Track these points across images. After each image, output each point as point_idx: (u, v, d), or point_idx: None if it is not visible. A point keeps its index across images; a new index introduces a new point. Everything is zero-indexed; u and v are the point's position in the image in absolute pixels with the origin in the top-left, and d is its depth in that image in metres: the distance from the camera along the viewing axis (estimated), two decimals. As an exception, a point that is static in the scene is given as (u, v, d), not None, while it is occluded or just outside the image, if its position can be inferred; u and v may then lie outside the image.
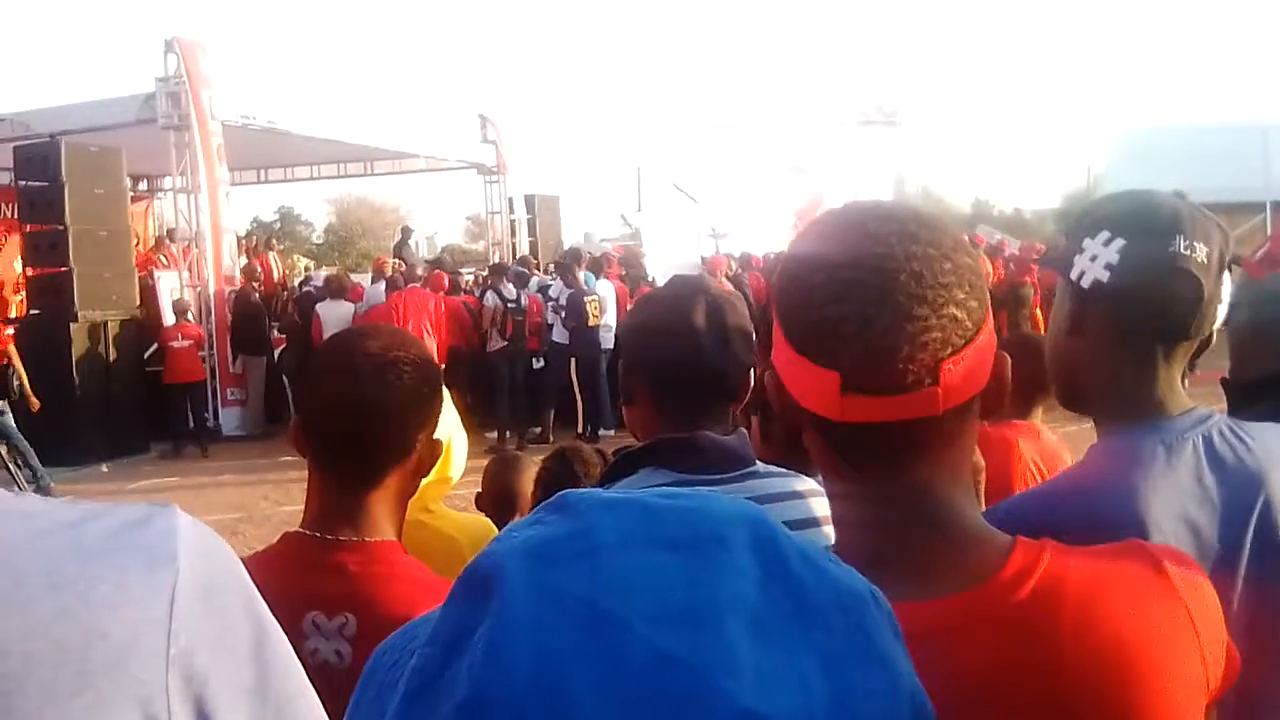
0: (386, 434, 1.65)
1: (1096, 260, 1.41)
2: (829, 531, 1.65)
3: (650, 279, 14.80)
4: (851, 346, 0.95)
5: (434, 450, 1.74)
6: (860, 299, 0.95)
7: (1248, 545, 1.35)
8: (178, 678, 0.79)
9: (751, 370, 1.79)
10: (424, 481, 2.30)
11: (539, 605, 0.52)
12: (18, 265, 15.73)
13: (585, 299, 12.87)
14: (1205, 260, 1.38)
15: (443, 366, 12.00)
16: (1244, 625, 1.23)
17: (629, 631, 0.50)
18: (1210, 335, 1.45)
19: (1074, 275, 1.44)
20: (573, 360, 13.15)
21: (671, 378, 1.77)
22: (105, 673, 0.76)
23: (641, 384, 1.80)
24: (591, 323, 12.86)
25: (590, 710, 0.49)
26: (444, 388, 2.41)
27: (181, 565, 0.82)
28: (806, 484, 1.72)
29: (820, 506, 1.68)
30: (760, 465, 1.76)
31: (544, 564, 0.53)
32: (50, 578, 0.78)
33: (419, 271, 14.45)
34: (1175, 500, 1.34)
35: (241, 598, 0.89)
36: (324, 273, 17.54)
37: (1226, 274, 1.43)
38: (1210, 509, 1.36)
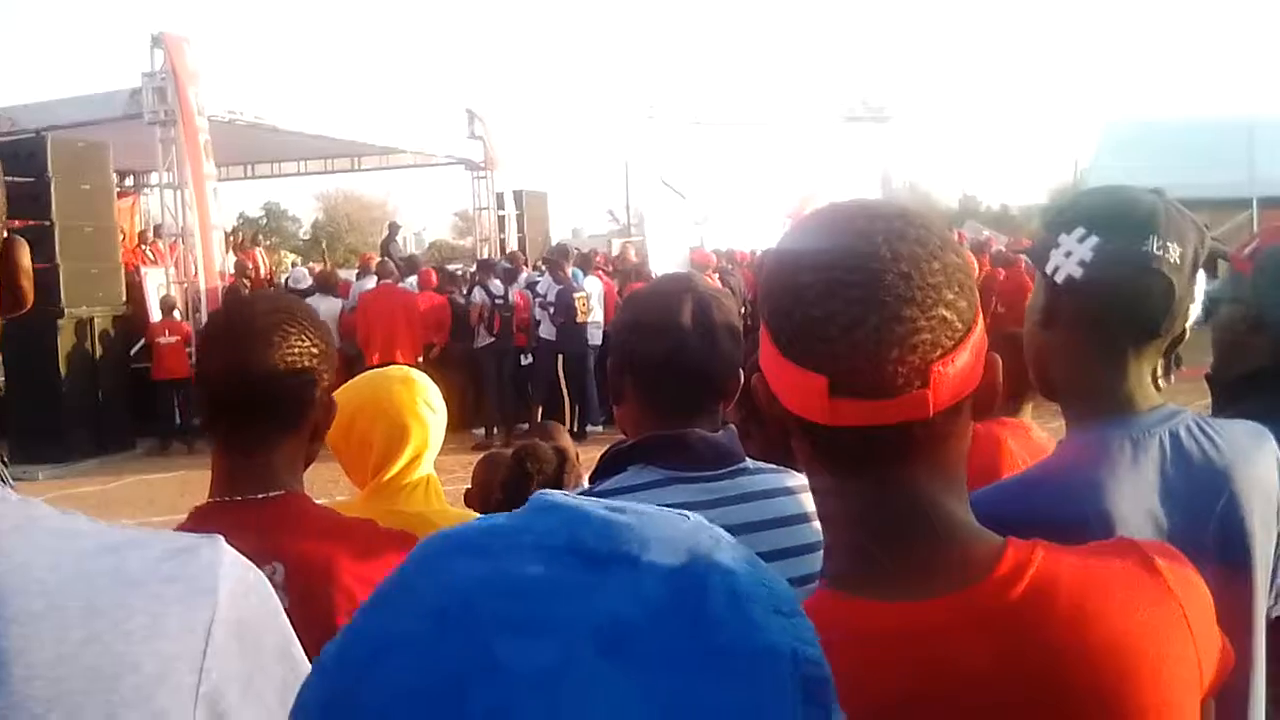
0: (275, 398, 1.68)
1: (1071, 256, 1.43)
2: (818, 527, 1.66)
3: (648, 272, 14.70)
4: (838, 349, 0.93)
5: (329, 411, 1.76)
6: (847, 299, 0.93)
7: (1210, 541, 1.37)
8: (205, 714, 0.78)
9: (741, 368, 1.79)
10: (406, 475, 2.32)
11: (415, 589, 0.52)
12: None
13: (574, 295, 12.86)
14: (1178, 260, 1.39)
15: (420, 360, 12.00)
16: None
17: (474, 629, 0.48)
18: (1183, 333, 1.46)
19: (1049, 269, 1.45)
20: (560, 356, 13.15)
21: (658, 376, 1.77)
22: (132, 705, 0.75)
23: (630, 382, 1.80)
24: (580, 319, 12.85)
25: (380, 692, 0.48)
26: (433, 381, 2.43)
27: (220, 601, 0.82)
28: (797, 480, 1.72)
29: (809, 502, 1.68)
30: (750, 462, 1.76)
31: (451, 553, 0.53)
32: (87, 602, 0.77)
33: (388, 266, 14.40)
34: (1141, 495, 1.36)
35: (277, 638, 0.88)
36: (303, 269, 17.44)
37: (1201, 272, 1.44)
38: (1175, 504, 1.38)
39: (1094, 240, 1.41)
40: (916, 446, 0.98)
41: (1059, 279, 1.44)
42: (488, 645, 0.47)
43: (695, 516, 0.56)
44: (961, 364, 0.96)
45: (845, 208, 1.01)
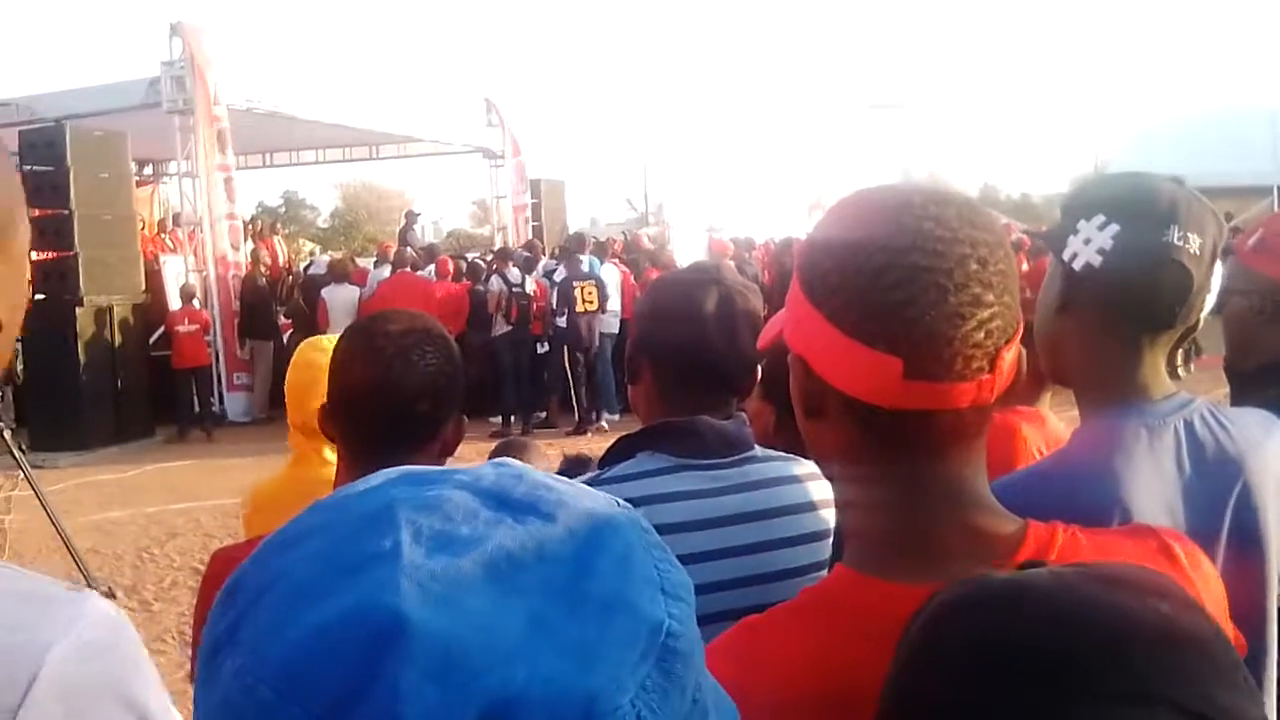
0: (413, 415, 1.69)
1: (1090, 244, 1.41)
2: (825, 515, 1.66)
3: (666, 258, 14.63)
4: (917, 332, 0.93)
5: (459, 428, 1.77)
6: (929, 283, 0.93)
7: (1225, 529, 1.36)
8: None
9: (759, 364, 1.78)
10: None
11: (350, 500, 0.58)
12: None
13: (574, 285, 12.77)
14: (1198, 251, 1.38)
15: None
16: None
17: (389, 527, 0.54)
18: (1196, 322, 1.45)
19: (1066, 256, 1.43)
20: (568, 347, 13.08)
21: (674, 363, 1.76)
22: None
23: (646, 365, 1.80)
24: (581, 309, 12.76)
25: (297, 561, 0.55)
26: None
27: (52, 658, 0.79)
28: (805, 468, 1.72)
29: (817, 490, 1.68)
30: (759, 450, 1.76)
31: (392, 480, 0.60)
32: None
33: (407, 254, 14.45)
34: (1156, 484, 1.36)
35: (118, 704, 0.83)
36: (326, 257, 17.54)
37: (1218, 263, 1.43)
38: (1190, 493, 1.37)
39: (1114, 228, 1.39)
40: (965, 432, 0.99)
41: (1077, 266, 1.42)
42: (396, 542, 0.53)
43: (632, 511, 0.61)
44: (1016, 350, 0.98)
45: (905, 191, 1.00)
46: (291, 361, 2.57)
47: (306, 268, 16.74)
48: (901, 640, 0.81)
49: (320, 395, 2.37)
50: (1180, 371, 12.91)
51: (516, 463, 0.63)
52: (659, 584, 0.57)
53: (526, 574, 0.53)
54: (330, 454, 2.44)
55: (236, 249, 14.94)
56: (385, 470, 0.61)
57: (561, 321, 12.87)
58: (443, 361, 1.71)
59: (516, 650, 0.50)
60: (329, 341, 2.45)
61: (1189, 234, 1.37)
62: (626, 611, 0.54)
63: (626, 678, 0.52)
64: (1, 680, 0.77)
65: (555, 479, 0.61)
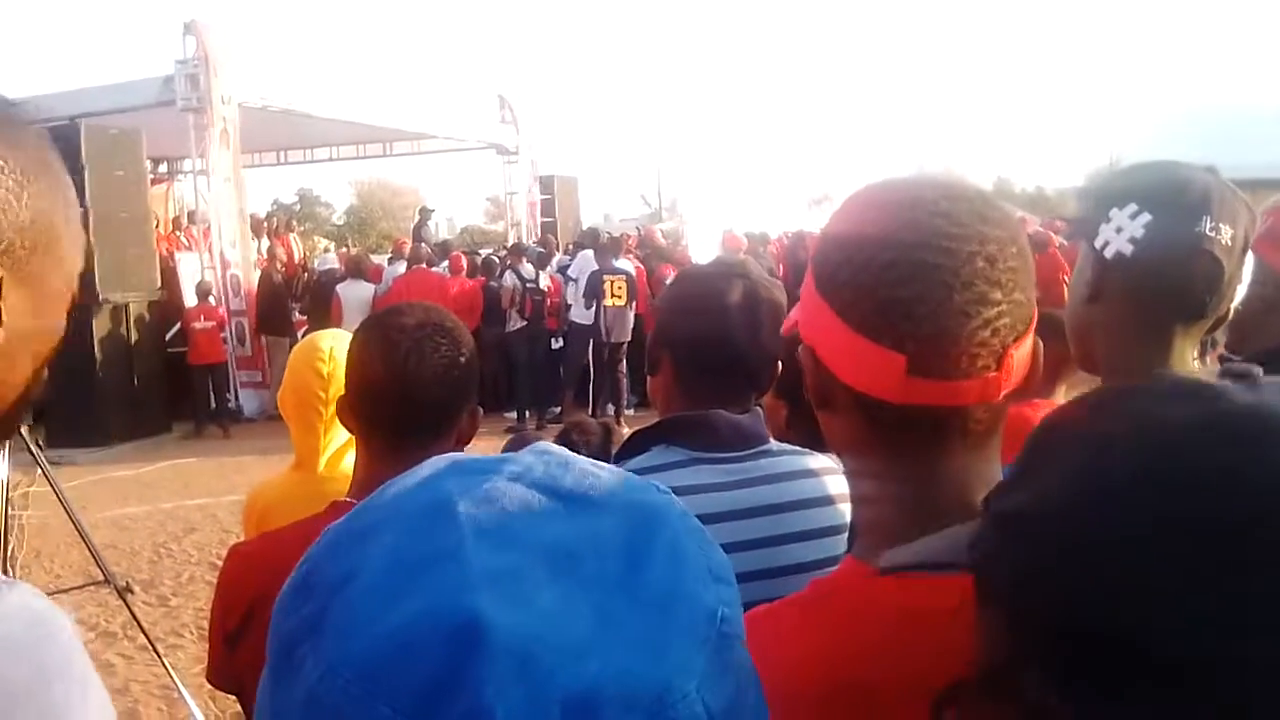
0: (428, 408, 1.71)
1: (1122, 232, 1.41)
2: (843, 509, 1.66)
3: (679, 254, 14.61)
4: (922, 329, 0.93)
5: (474, 419, 1.79)
6: (936, 281, 0.93)
7: None
8: None
9: (779, 359, 1.77)
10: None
11: (410, 489, 0.60)
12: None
13: (604, 278, 12.77)
14: (1230, 242, 1.38)
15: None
16: None
17: (451, 523, 0.56)
18: (1226, 313, 1.45)
19: (1098, 244, 1.43)
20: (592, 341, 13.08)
21: (694, 356, 1.76)
22: None
23: (666, 356, 1.80)
24: (609, 303, 12.76)
25: (369, 557, 0.56)
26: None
27: None
28: (820, 462, 1.71)
29: (833, 484, 1.68)
30: (774, 444, 1.75)
31: (444, 471, 0.61)
32: None
33: (422, 251, 14.49)
34: None
35: (31, 711, 0.75)
36: (333, 254, 17.61)
37: (1250, 254, 1.43)
38: None
39: (1146, 217, 1.39)
40: (973, 429, 0.98)
41: (1108, 254, 1.42)
42: (460, 538, 0.55)
43: (671, 494, 0.64)
44: (1027, 347, 0.97)
45: (918, 184, 1.00)
46: (288, 364, 2.57)
47: (315, 265, 16.78)
48: (1031, 448, 0.74)
49: (313, 389, 2.39)
50: (1196, 365, 12.80)
51: (558, 449, 0.64)
52: (707, 568, 0.59)
53: (585, 566, 0.55)
54: (329, 454, 2.45)
55: (234, 246, 14.89)
56: (431, 460, 0.63)
57: (589, 315, 12.86)
58: (456, 353, 1.72)
59: (588, 645, 0.52)
60: (322, 338, 2.46)
61: (1221, 224, 1.37)
62: (684, 601, 0.56)
63: (691, 664, 0.54)
64: None
65: (597, 465, 0.63)
